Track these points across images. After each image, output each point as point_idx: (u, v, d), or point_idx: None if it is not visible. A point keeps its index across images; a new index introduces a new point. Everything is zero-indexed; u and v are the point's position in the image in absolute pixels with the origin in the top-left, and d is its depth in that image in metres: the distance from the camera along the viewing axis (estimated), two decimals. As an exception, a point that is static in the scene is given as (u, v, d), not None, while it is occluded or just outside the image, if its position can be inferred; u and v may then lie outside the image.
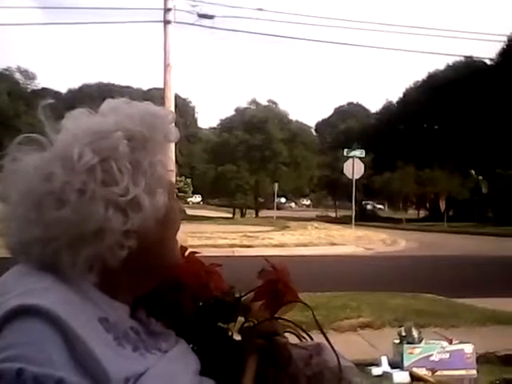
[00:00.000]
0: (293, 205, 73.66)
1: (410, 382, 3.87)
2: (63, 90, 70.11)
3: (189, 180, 46.62)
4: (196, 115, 76.19)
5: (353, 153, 24.81)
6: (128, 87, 67.25)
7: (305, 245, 17.53)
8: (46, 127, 0.88)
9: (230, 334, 1.09)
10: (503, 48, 40.59)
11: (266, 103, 48.93)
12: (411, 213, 45.75)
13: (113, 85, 68.50)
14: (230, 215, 44.03)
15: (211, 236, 18.54)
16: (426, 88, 46.54)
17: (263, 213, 45.34)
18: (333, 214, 48.85)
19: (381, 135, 46.53)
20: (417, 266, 13.04)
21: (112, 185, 0.83)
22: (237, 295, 1.09)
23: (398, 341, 4.09)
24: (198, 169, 50.86)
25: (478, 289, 8.63)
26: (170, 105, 14.92)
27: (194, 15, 17.27)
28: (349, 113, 73.97)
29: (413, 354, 3.96)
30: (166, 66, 15.44)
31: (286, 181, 45.61)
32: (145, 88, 67.20)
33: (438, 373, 3.93)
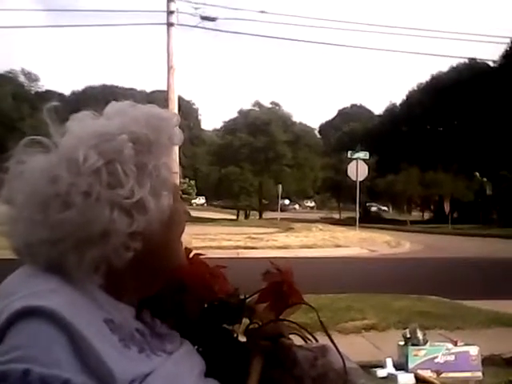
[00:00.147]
0: (297, 207, 73.69)
1: (414, 384, 3.86)
2: (67, 92, 70.39)
3: (192, 182, 46.66)
4: (199, 117, 76.40)
5: (357, 155, 24.80)
6: (131, 89, 67.50)
7: (309, 247, 17.50)
8: (50, 129, 0.88)
9: (234, 335, 1.09)
10: (506, 50, 40.52)
11: (270, 105, 49.00)
12: (415, 215, 45.67)
13: (116, 87, 68.75)
14: (234, 217, 44.02)
15: (215, 238, 18.54)
16: (429, 90, 46.48)
17: (267, 215, 45.33)
18: (337, 216, 48.82)
19: (384, 137, 46.48)
20: (421, 268, 13.01)
21: (117, 187, 0.84)
22: (241, 297, 1.09)
23: (402, 343, 4.08)
24: (201, 171, 50.94)
25: (482, 291, 8.61)
26: (174, 107, 14.95)
27: (196, 17, 17.29)
28: (352, 115, 74.02)
29: (418, 356, 3.95)
30: (170, 68, 15.48)
31: (290, 183, 45.64)
32: (148, 90, 67.52)
33: (443, 375, 3.92)
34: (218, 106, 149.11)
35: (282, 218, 37.07)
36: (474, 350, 4.03)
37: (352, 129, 58.62)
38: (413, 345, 3.97)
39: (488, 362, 4.25)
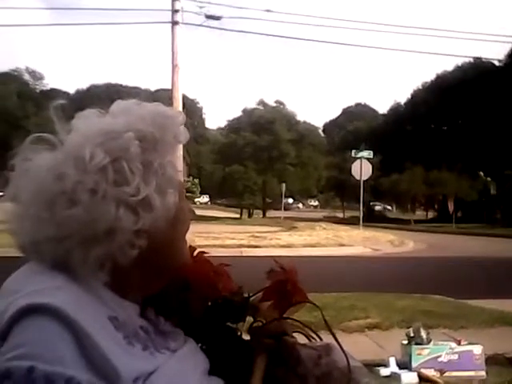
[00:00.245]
0: (300, 205, 73.61)
1: (418, 383, 3.85)
2: (71, 90, 70.47)
3: (196, 180, 46.70)
4: (203, 116, 76.45)
5: (361, 154, 24.75)
6: (136, 88, 67.52)
7: (312, 245, 17.50)
8: (56, 127, 0.89)
9: (238, 333, 1.09)
10: (512, 49, 40.42)
11: (274, 104, 48.95)
12: (419, 214, 45.60)
13: (121, 85, 68.80)
14: (238, 215, 44.03)
15: (219, 236, 18.56)
16: (434, 89, 46.40)
17: (270, 213, 45.35)
18: (340, 215, 48.79)
19: (389, 136, 46.41)
20: (425, 267, 13.00)
21: (123, 185, 0.84)
22: (245, 295, 1.09)
23: (406, 342, 4.07)
24: (205, 169, 50.97)
25: (486, 290, 8.60)
26: (178, 105, 14.94)
27: (201, 16, 17.28)
28: (357, 114, 73.88)
29: (421, 355, 3.94)
30: (174, 66, 15.47)
31: (294, 181, 45.60)
32: (152, 89, 67.46)
33: (447, 374, 3.91)
34: (223, 104, 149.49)
35: (285, 217, 37.07)
36: (477, 349, 4.01)
37: (356, 128, 58.55)
38: (416, 344, 3.96)
39: (491, 361, 4.23)
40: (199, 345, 1.02)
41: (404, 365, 4.06)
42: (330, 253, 16.30)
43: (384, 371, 3.94)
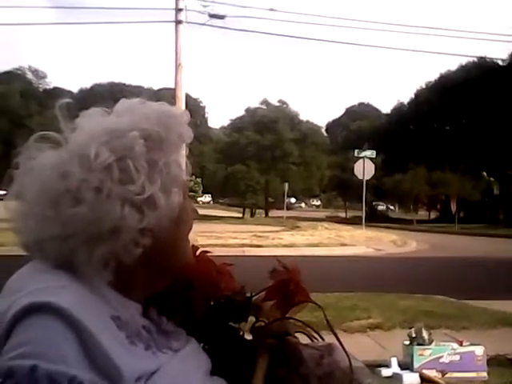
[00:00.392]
0: (303, 205, 73.59)
1: (419, 384, 3.85)
2: (75, 89, 70.57)
3: (199, 179, 46.68)
4: (206, 115, 76.54)
5: (363, 153, 24.77)
6: (139, 87, 67.52)
7: (315, 245, 17.49)
8: (61, 125, 0.89)
9: (241, 333, 1.09)
10: (516, 49, 40.33)
11: (277, 103, 48.96)
12: (422, 214, 45.52)
13: (124, 84, 68.84)
14: (240, 215, 44.03)
15: (221, 236, 18.55)
16: (437, 89, 46.32)
17: (273, 213, 45.32)
18: (343, 215, 48.74)
19: (392, 136, 46.37)
20: (427, 268, 12.98)
21: (128, 183, 0.84)
22: (248, 295, 1.09)
23: (408, 342, 4.07)
24: (208, 168, 50.95)
25: (488, 291, 8.58)
26: (181, 105, 14.94)
27: (205, 15, 17.29)
28: (360, 113, 73.81)
29: (423, 356, 3.94)
30: (178, 65, 15.47)
31: (297, 181, 45.59)
32: (156, 88, 67.46)
33: (448, 375, 3.91)
34: (226, 103, 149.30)
35: (288, 217, 37.04)
36: (479, 350, 4.02)
37: (359, 127, 58.54)
38: (418, 344, 3.97)
39: (493, 362, 4.24)
40: (201, 344, 1.02)
41: (406, 365, 4.06)
42: (333, 253, 16.28)
43: (386, 372, 3.94)
